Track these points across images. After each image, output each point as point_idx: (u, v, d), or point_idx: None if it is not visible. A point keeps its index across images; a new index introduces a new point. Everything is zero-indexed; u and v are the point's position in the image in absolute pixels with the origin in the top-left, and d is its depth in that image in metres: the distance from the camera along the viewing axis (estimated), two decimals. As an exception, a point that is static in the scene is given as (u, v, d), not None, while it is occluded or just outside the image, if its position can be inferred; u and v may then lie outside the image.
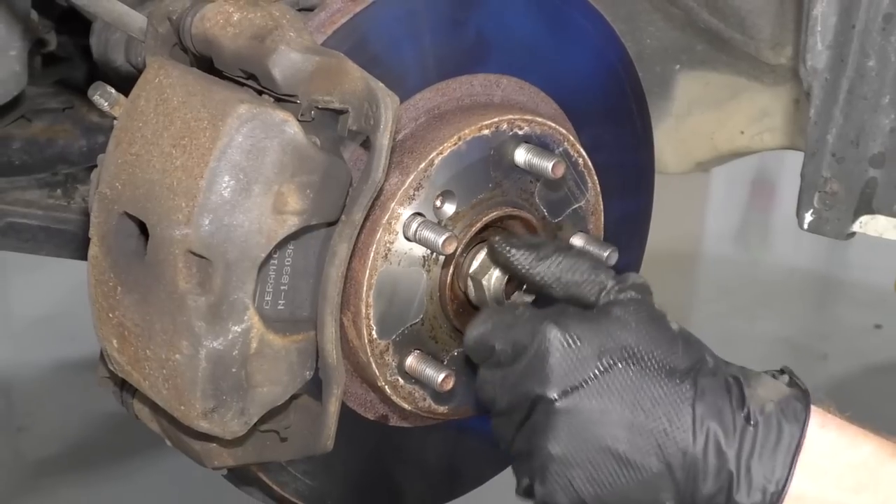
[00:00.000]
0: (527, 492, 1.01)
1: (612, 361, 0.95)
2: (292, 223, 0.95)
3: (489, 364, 1.01)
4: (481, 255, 1.12)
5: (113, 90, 1.09)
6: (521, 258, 1.03)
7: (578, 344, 0.95)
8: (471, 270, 1.12)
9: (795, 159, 1.68)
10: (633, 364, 0.95)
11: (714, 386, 0.95)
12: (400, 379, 1.11)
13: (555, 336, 0.95)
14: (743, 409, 0.94)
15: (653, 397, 0.94)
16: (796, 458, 0.93)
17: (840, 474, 0.94)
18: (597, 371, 0.94)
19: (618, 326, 0.96)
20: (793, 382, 1.00)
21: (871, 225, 1.64)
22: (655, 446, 0.94)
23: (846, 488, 0.94)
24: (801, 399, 0.96)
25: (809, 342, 5.16)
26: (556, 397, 0.94)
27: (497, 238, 1.08)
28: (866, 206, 1.64)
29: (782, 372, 1.01)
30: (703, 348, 1.00)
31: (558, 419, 0.94)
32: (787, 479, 0.93)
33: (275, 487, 1.16)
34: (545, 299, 1.08)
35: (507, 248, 1.04)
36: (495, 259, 1.09)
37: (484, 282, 1.12)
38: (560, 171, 1.12)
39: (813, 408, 0.96)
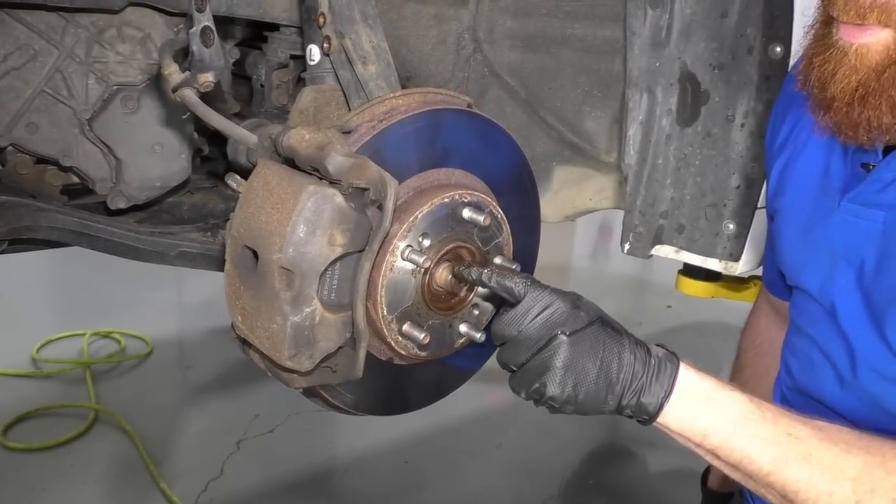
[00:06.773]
0: (530, 395, 0.96)
1: (593, 321, 0.93)
2: (338, 251, 0.95)
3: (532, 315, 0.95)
4: (447, 269, 1.11)
5: (239, 177, 1.09)
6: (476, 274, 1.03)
7: (577, 310, 0.93)
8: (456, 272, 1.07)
9: (621, 214, 1.70)
10: (601, 324, 0.93)
11: (634, 340, 0.95)
12: (399, 337, 1.11)
13: (568, 305, 0.93)
14: (649, 354, 0.94)
15: (610, 343, 0.93)
16: (674, 381, 0.93)
17: (696, 394, 0.93)
18: (586, 324, 0.92)
19: (591, 306, 0.96)
20: (666, 349, 0.99)
21: (661, 251, 1.67)
22: (611, 370, 0.92)
23: (699, 401, 0.93)
24: (674, 354, 0.96)
25: (631, 315, 5.20)
26: (567, 335, 0.92)
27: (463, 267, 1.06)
28: (658, 240, 1.67)
29: (659, 345, 1.01)
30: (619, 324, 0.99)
31: (563, 347, 0.91)
32: (670, 391, 0.93)
33: (329, 398, 1.15)
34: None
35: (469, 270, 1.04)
36: (459, 277, 1.07)
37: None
38: (488, 222, 1.12)
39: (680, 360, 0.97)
